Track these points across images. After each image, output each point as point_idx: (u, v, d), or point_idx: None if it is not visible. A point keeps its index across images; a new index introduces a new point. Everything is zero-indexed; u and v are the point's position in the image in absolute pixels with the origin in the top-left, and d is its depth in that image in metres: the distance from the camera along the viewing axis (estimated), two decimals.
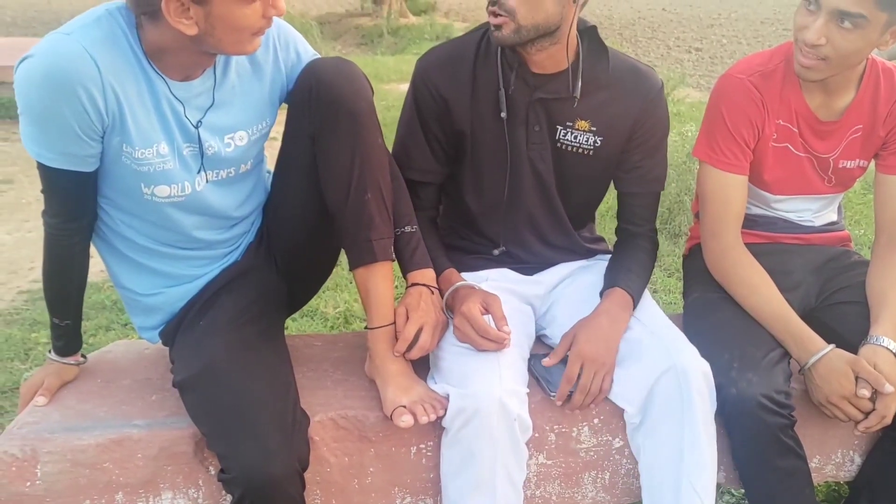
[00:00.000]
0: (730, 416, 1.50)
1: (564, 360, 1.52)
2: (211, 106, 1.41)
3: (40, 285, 1.55)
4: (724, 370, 1.51)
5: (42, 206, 1.42)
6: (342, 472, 1.50)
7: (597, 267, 1.77)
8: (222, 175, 1.48)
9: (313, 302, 2.82)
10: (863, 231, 3.67)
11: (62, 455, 1.39)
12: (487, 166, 1.68)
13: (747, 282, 1.66)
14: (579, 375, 1.48)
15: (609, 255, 1.82)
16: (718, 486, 1.55)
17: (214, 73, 1.41)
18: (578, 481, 1.58)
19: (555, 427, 1.54)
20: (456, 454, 1.42)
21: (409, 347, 1.47)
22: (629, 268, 1.67)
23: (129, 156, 1.35)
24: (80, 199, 1.40)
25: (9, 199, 4.34)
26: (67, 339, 1.54)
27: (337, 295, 3.01)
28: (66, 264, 1.47)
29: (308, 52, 1.52)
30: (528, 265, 1.77)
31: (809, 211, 1.85)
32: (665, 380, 1.44)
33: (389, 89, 7.11)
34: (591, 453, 1.57)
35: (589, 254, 1.83)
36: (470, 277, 1.67)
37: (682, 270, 2.03)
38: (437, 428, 1.46)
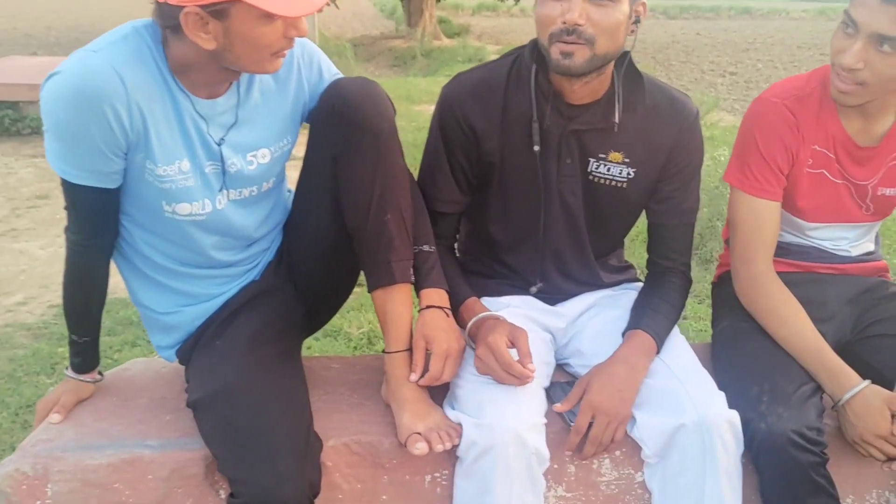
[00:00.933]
0: (759, 453, 1.44)
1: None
2: (234, 124, 1.41)
3: None
4: (753, 404, 1.45)
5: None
6: (354, 499, 1.46)
7: (624, 298, 1.70)
8: (245, 193, 1.47)
9: (337, 321, 2.81)
10: None
11: (73, 474, 1.38)
12: (515, 198, 1.62)
13: (778, 312, 1.60)
14: (591, 424, 1.42)
15: (636, 283, 1.77)
16: None
17: (238, 91, 1.40)
18: None
19: (574, 458, 1.49)
20: (471, 486, 1.37)
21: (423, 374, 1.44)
22: (656, 308, 1.59)
23: (152, 172, 1.35)
24: (102, 215, 1.40)
25: (44, 214, 4.42)
26: (85, 355, 1.54)
27: (361, 315, 2.99)
28: (86, 281, 1.47)
29: (332, 71, 1.52)
30: (550, 295, 1.72)
31: (846, 240, 1.79)
32: (687, 432, 1.39)
33: (420, 110, 7.14)
34: (613, 487, 1.52)
35: (613, 285, 1.77)
36: (490, 303, 1.63)
37: (711, 298, 1.97)
38: (452, 457, 1.43)
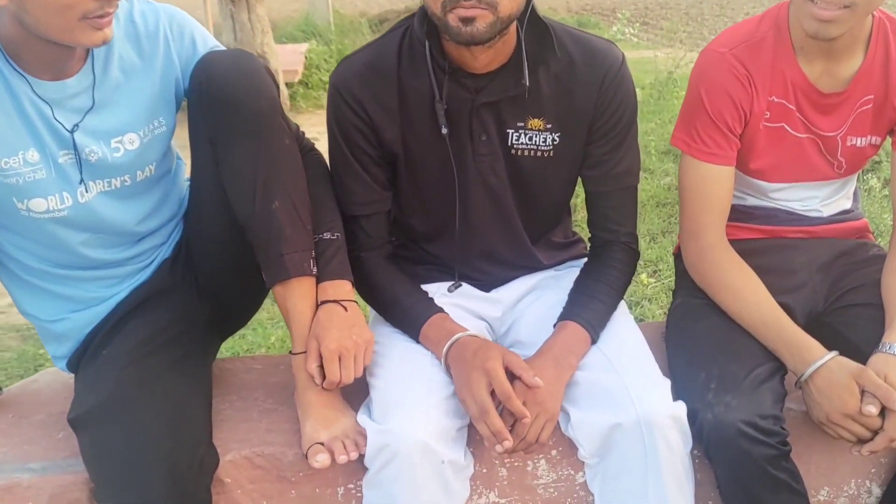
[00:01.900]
0: (709, 447, 1.28)
1: None
2: (92, 107, 1.26)
3: None
4: (699, 392, 1.29)
5: None
6: None
7: (567, 279, 1.51)
8: (115, 184, 1.32)
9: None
10: None
11: None
12: (430, 187, 1.45)
13: (730, 285, 1.42)
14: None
15: (583, 260, 1.58)
16: None
17: (93, 70, 1.25)
18: None
19: (506, 461, 1.34)
20: (377, 497, 1.24)
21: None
22: (593, 293, 1.42)
23: None
24: None
25: None
26: None
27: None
28: None
29: (207, 43, 1.35)
30: (483, 282, 1.56)
31: (816, 199, 1.60)
32: (624, 431, 1.23)
33: None
34: (552, 489, 1.37)
35: (557, 264, 1.60)
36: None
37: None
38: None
